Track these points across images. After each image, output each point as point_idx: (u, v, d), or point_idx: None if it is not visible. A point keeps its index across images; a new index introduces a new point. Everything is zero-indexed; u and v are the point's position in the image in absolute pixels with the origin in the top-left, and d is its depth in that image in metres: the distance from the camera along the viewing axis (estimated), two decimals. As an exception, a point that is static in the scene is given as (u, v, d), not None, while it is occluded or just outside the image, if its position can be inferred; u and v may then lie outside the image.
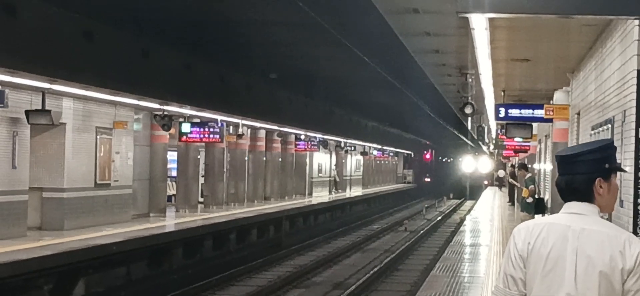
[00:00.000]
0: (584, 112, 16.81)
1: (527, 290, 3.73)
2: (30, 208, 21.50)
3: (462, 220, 43.08)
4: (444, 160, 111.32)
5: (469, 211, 48.25)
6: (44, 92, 20.34)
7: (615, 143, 11.08)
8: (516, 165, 35.50)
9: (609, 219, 11.07)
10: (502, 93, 24.25)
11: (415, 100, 41.80)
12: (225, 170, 35.63)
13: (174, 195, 33.30)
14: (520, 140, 31.02)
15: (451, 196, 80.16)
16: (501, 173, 52.95)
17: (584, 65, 16.99)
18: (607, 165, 3.76)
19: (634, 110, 10.39)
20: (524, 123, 20.92)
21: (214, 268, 24.34)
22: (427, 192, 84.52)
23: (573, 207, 3.76)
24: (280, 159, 44.14)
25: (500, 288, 3.79)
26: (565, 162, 3.80)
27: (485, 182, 76.03)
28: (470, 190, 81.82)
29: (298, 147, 45.95)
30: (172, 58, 25.43)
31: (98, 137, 24.11)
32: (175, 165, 32.78)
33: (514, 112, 20.35)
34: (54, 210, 22.61)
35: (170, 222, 27.27)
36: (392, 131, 70.37)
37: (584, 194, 3.75)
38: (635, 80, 10.42)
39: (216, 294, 21.61)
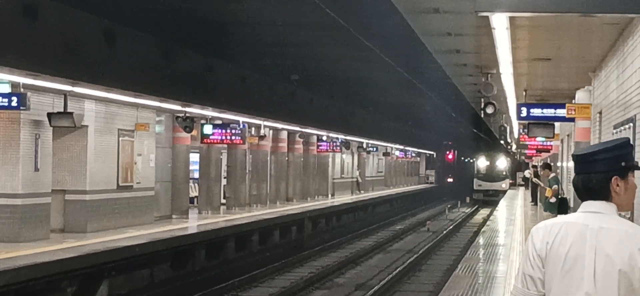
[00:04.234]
0: (606, 111, 16.73)
1: (546, 289, 3.71)
2: (53, 210, 21.60)
3: (485, 220, 42.97)
4: (466, 160, 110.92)
5: (492, 211, 48.10)
6: (65, 95, 20.42)
7: (638, 142, 11.00)
8: (539, 165, 35.34)
9: (631, 219, 11.01)
10: (524, 93, 24.18)
11: (437, 100, 41.71)
12: (247, 171, 35.66)
13: (196, 196, 33.36)
14: (543, 139, 30.93)
15: (473, 196, 73.75)
16: (528, 173, 52.76)
17: (606, 64, 16.90)
18: (623, 164, 3.75)
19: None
20: (546, 123, 20.85)
21: (236, 270, 24.39)
22: (450, 192, 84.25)
23: (590, 205, 3.75)
24: (302, 160, 44.13)
25: (519, 289, 3.77)
26: (582, 161, 3.80)
27: (504, 186, 71.76)
28: (484, 195, 70.70)
29: (320, 148, 45.90)
30: (193, 60, 25.47)
31: (120, 139, 24.19)
32: (197, 167, 32.85)
33: (536, 112, 20.28)
34: (77, 213, 22.70)
35: (193, 223, 27.33)
36: (414, 131, 70.15)
37: (601, 193, 3.73)
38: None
39: (239, 295, 21.66)
